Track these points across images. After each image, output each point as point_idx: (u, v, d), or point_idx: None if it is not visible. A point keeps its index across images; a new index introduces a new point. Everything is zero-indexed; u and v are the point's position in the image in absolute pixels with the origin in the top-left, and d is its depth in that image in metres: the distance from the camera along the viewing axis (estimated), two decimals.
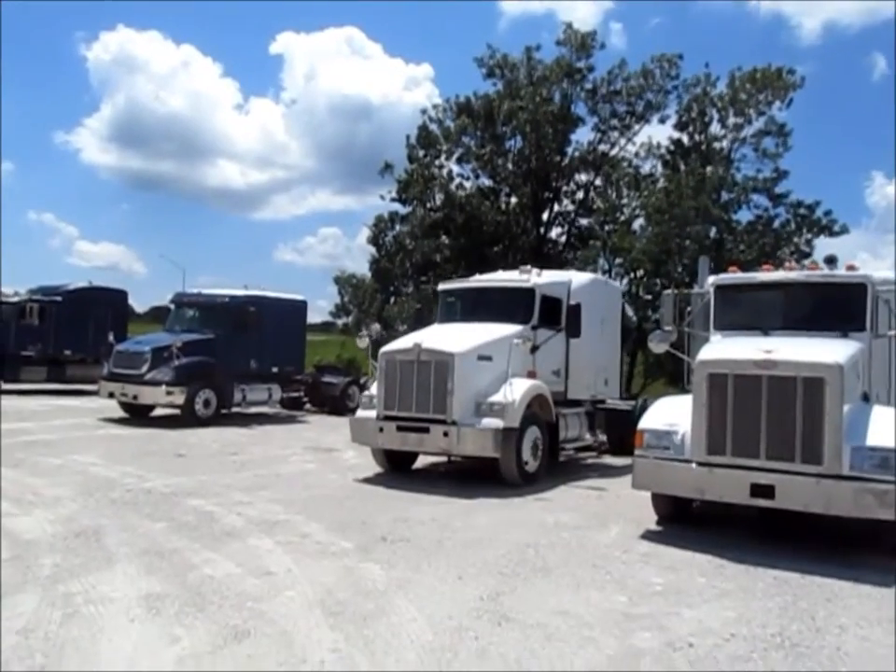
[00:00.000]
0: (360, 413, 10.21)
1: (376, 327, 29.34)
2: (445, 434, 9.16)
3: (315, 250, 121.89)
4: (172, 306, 18.36)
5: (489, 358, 9.60)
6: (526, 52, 28.07)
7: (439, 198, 29.20)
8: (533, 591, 5.35)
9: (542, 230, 29.69)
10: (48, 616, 4.48)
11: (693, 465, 6.74)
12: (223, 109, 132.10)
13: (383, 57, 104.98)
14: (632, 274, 29.38)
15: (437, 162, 29.48)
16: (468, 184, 29.55)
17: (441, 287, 12.36)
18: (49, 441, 11.97)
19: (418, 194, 29.02)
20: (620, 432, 12.40)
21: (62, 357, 21.80)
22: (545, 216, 29.73)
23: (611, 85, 27.92)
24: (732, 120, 27.30)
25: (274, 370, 17.74)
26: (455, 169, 29.60)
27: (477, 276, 12.62)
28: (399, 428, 9.53)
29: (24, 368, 21.16)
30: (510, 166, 29.15)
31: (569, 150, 29.02)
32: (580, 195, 29.87)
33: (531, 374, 10.12)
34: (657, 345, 7.96)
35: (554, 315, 11.02)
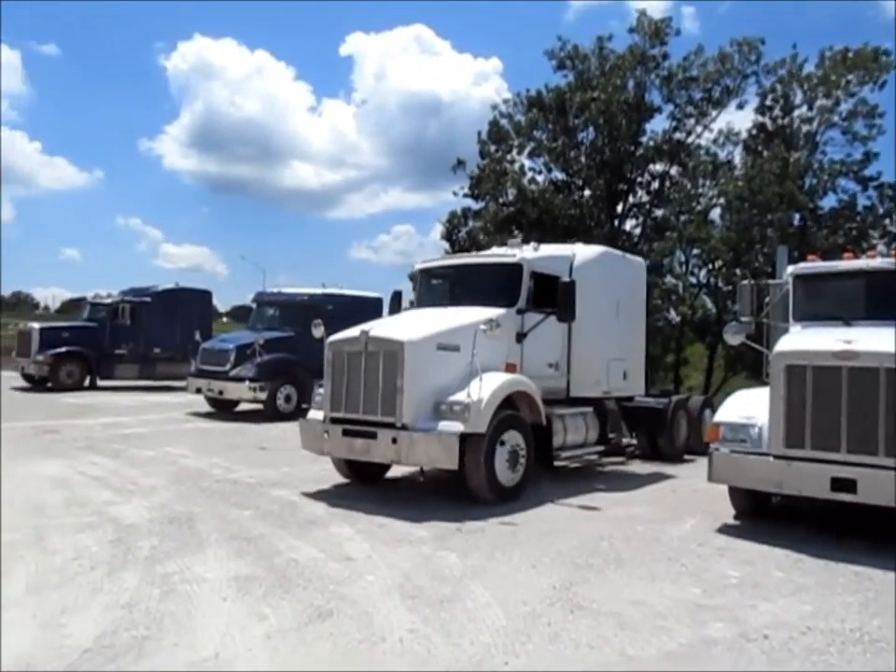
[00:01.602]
0: (311, 414, 8.70)
1: None
2: (394, 441, 7.52)
3: (390, 247, 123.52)
4: (254, 305, 19.07)
5: (455, 349, 7.92)
6: (598, 42, 27.82)
7: (511, 193, 29.25)
8: (606, 581, 5.42)
9: (616, 222, 29.37)
10: (147, 593, 4.84)
11: (771, 458, 6.63)
12: (296, 112, 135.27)
13: (451, 53, 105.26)
14: (710, 265, 28.76)
15: (508, 157, 29.54)
16: (540, 178, 29.53)
17: (419, 265, 10.56)
18: (142, 435, 12.65)
19: (490, 189, 29.13)
20: (651, 433, 11.57)
21: (151, 355, 22.87)
22: (619, 208, 29.43)
23: (687, 71, 27.36)
24: (819, 103, 26.34)
25: None
26: (528, 163, 29.64)
27: (463, 253, 10.88)
28: (346, 433, 7.95)
29: (118, 365, 22.31)
30: (582, 159, 28.94)
31: (644, 140, 28.63)
32: (655, 185, 29.43)
33: (510, 367, 8.54)
34: (732, 337, 7.84)
35: (551, 296, 9.15)
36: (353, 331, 8.17)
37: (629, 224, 30.24)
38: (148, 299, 23.04)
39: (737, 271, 24.97)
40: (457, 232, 30.65)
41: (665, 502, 8.41)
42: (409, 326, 8.37)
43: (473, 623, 4.48)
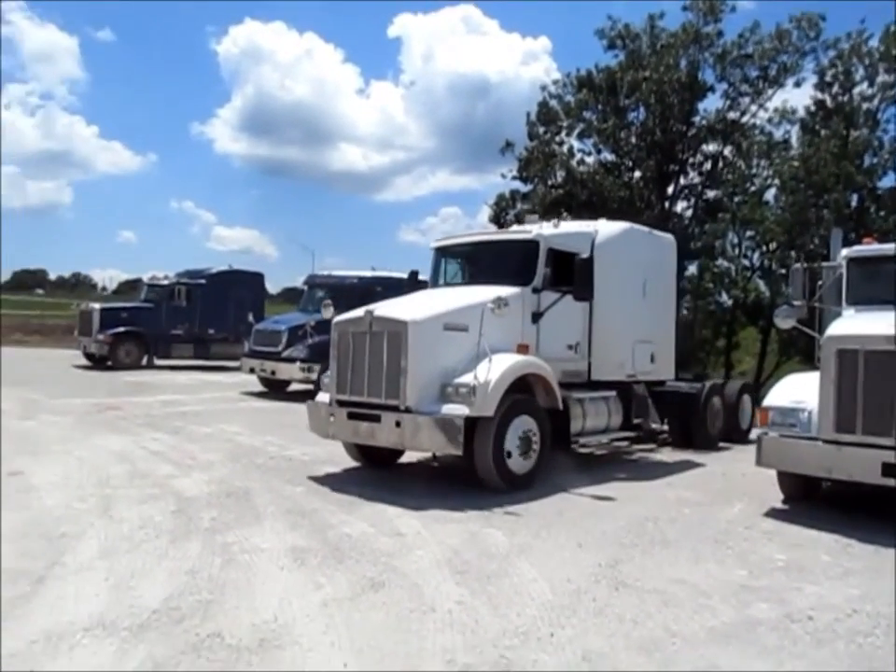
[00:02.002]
0: (319, 396, 8.49)
1: None
2: (398, 424, 7.29)
3: (437, 230, 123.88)
4: (305, 288, 19.43)
5: (463, 329, 7.58)
6: (650, 20, 27.34)
7: (560, 175, 29.04)
8: (651, 561, 5.50)
9: (667, 203, 28.95)
10: (209, 561, 5.10)
11: (821, 443, 6.59)
12: (345, 94, 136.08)
13: (499, 33, 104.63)
14: (764, 247, 28.18)
15: (557, 139, 29.30)
16: (589, 159, 29.21)
17: (434, 243, 10.10)
18: (198, 412, 13.08)
19: (539, 171, 28.97)
20: (683, 420, 11.03)
21: (206, 336, 23.50)
22: (670, 189, 28.99)
23: (742, 49, 26.68)
24: (881, 79, 25.47)
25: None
26: (577, 145, 29.33)
27: (478, 230, 10.22)
28: (351, 416, 7.76)
29: (174, 345, 23.01)
30: (633, 139, 28.55)
31: (696, 120, 28.08)
32: (707, 166, 28.87)
33: (523, 349, 8.11)
34: (783, 321, 7.76)
35: (570, 274, 8.74)
36: (358, 311, 7.95)
37: (680, 206, 29.78)
38: (203, 281, 23.64)
39: (792, 253, 24.40)
40: (505, 215, 30.57)
41: (712, 486, 8.40)
42: (415, 305, 8.13)
43: (520, 597, 4.62)
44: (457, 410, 7.14)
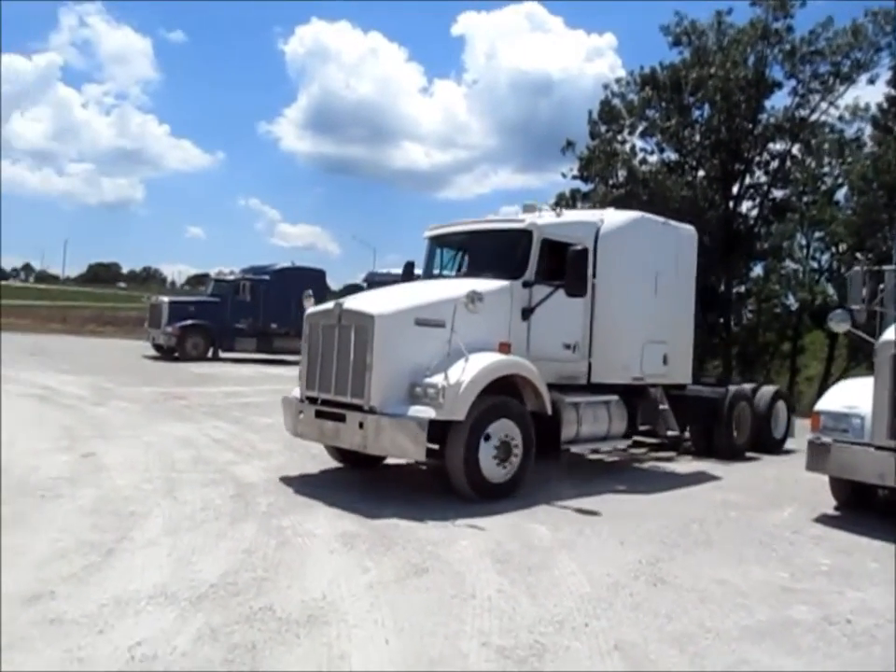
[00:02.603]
0: (294, 391, 7.95)
1: None
2: (361, 425, 6.83)
3: None
4: (364, 285, 19.88)
5: (438, 325, 7.02)
6: (717, 16, 26.77)
7: (621, 174, 28.69)
8: (692, 560, 5.56)
9: (732, 203, 28.30)
10: (265, 542, 5.39)
11: (873, 449, 6.51)
12: (408, 93, 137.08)
13: (563, 30, 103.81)
14: (833, 249, 27.38)
15: (619, 137, 28.97)
16: (652, 158, 28.80)
17: (427, 232, 9.45)
18: (259, 403, 13.55)
19: (600, 171, 28.68)
20: (706, 427, 10.44)
21: (269, 330, 24.20)
22: (735, 188, 28.30)
23: (812, 45, 25.92)
24: None
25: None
26: (639, 144, 28.94)
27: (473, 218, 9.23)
28: (318, 414, 7.34)
29: (238, 339, 23.80)
30: (697, 137, 28.00)
31: (763, 117, 27.35)
32: (774, 165, 28.10)
33: (504, 347, 7.44)
34: (837, 325, 7.64)
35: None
36: (329, 304, 7.60)
37: (745, 206, 29.04)
38: (267, 277, 24.35)
39: (857, 255, 23.64)
40: None
41: (763, 490, 8.36)
42: (388, 298, 7.64)
43: (558, 588, 4.76)
44: (423, 412, 6.64)
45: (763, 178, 28.37)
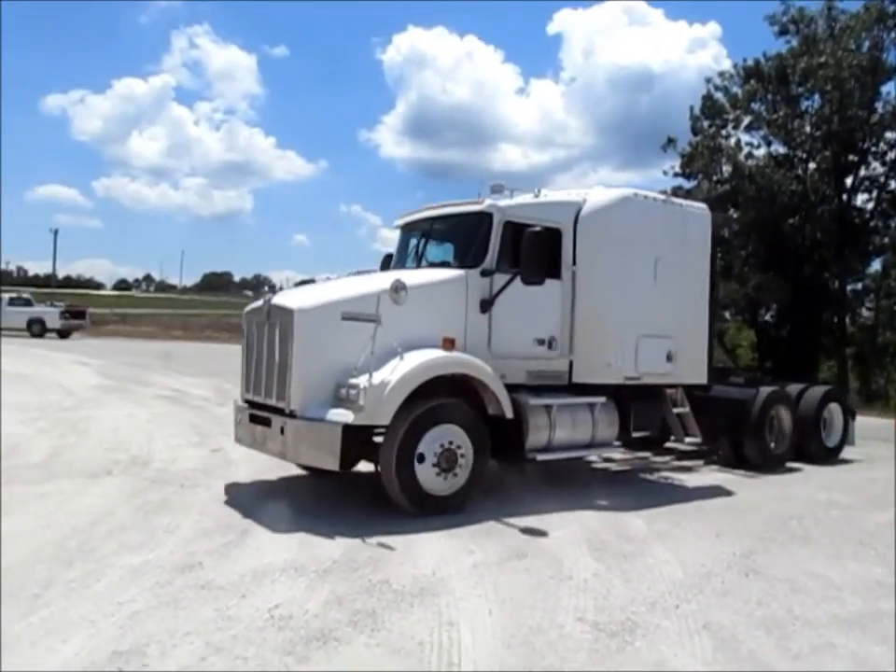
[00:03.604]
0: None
1: None
2: (282, 430, 6.31)
3: None
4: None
5: (371, 320, 6.16)
6: (826, 3, 25.79)
7: (726, 170, 28.06)
8: (788, 554, 5.70)
9: (845, 196, 27.14)
10: (379, 528, 5.92)
11: None
12: (505, 94, 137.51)
13: (664, 22, 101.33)
14: None
15: (723, 132, 28.34)
16: (758, 152, 28.01)
17: (397, 220, 8.75)
18: None
19: (703, 167, 28.15)
20: (734, 433, 9.34)
21: None
22: (849, 181, 27.12)
23: None
24: None
25: None
26: (744, 138, 28.21)
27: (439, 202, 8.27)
28: (252, 418, 6.88)
29: None
30: (807, 129, 27.04)
31: (879, 105, 26.12)
32: (892, 155, 26.75)
33: (448, 343, 6.58)
34: None
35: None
36: (260, 300, 7.14)
37: (860, 199, 27.80)
38: None
39: None
40: None
41: (869, 491, 8.26)
42: (318, 291, 7.14)
43: (651, 574, 5.05)
44: (340, 416, 6.08)
45: (880, 169, 27.08)
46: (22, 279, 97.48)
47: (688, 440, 9.20)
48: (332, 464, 6.10)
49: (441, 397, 6.46)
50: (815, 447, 10.04)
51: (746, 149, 28.01)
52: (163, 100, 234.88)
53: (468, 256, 7.37)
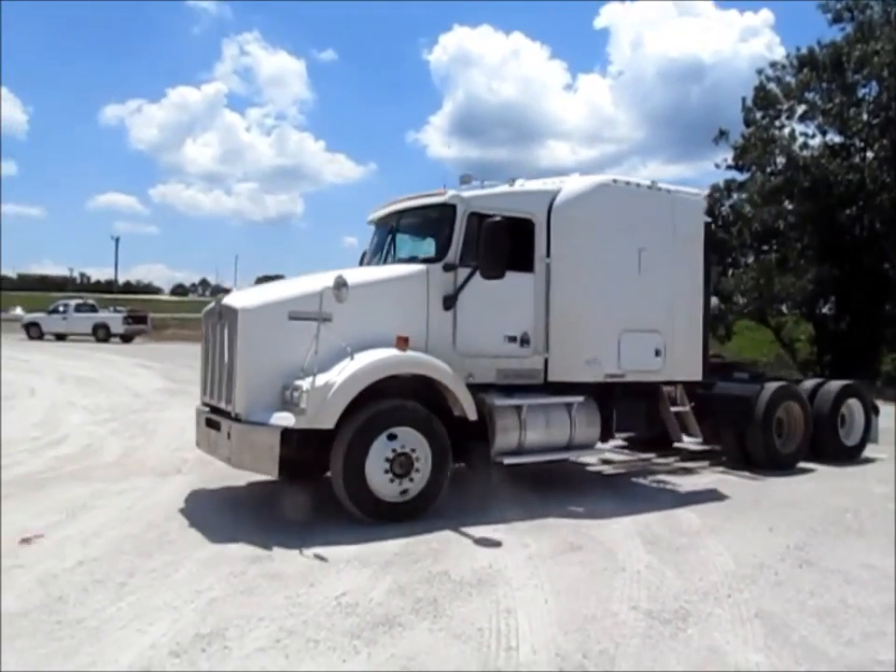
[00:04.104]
0: None
1: (714, 300, 28.85)
2: (229, 435, 6.14)
3: None
4: None
5: (324, 318, 5.91)
6: None
7: (780, 161, 27.55)
8: (842, 546, 5.74)
9: None
10: (438, 524, 6.14)
11: None
12: (552, 90, 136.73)
13: (714, 12, 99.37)
14: None
15: (777, 123, 27.83)
16: (813, 142, 27.42)
17: (369, 215, 8.41)
18: None
19: (756, 159, 27.70)
20: (738, 431, 8.88)
21: None
22: None
23: None
24: None
25: None
26: (799, 128, 27.64)
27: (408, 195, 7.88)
28: (207, 422, 6.66)
29: None
30: (864, 116, 26.37)
31: None
32: None
33: (402, 342, 6.27)
34: None
35: (517, 247, 7.04)
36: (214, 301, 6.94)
37: None
38: None
39: None
40: (719, 206, 29.56)
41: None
42: (268, 290, 6.93)
43: (704, 566, 5.16)
44: (281, 420, 5.84)
45: None
46: (85, 285, 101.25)
47: (691, 440, 8.64)
48: (271, 471, 5.89)
49: (399, 398, 6.22)
50: (831, 446, 9.47)
51: (800, 140, 27.47)
52: (216, 107, 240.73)
53: (432, 250, 7.18)
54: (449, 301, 6.80)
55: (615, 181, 7.73)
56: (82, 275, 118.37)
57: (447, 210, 7.03)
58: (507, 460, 6.80)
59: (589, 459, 8.74)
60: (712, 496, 7.49)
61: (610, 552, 5.45)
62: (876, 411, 10.21)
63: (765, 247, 28.09)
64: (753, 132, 27.75)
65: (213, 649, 3.77)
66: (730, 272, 29.09)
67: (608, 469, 9.00)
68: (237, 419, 6.10)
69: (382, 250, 7.91)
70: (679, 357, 8.01)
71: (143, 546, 5.37)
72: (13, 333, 37.23)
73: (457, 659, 3.71)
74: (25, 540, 5.41)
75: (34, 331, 36.93)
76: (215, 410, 6.62)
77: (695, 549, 5.57)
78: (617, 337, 7.51)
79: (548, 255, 7.32)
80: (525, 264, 7.20)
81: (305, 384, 5.82)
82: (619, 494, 7.54)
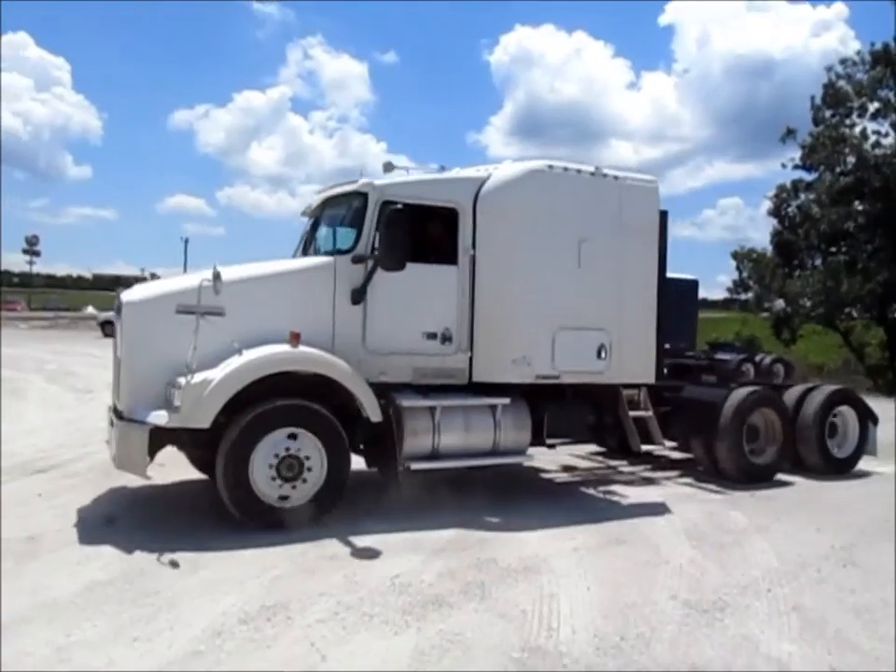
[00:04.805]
0: None
1: (780, 303, 28.27)
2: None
3: (715, 223, 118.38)
4: None
5: (216, 312, 5.77)
6: None
7: (850, 160, 26.82)
8: (888, 548, 5.74)
9: None
10: (485, 517, 6.41)
11: None
12: (615, 89, 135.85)
13: (785, 6, 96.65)
14: None
15: (847, 121, 27.11)
16: (886, 141, 26.60)
17: (304, 208, 8.11)
18: None
19: (825, 158, 27.04)
20: (705, 438, 8.14)
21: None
22: None
23: None
24: None
25: (667, 346, 18.69)
26: (871, 126, 26.86)
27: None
28: (110, 422, 6.29)
29: None
30: None
31: None
32: None
33: (294, 338, 5.90)
34: None
35: (438, 238, 6.77)
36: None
37: None
38: None
39: None
40: (786, 207, 28.95)
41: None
42: (160, 284, 6.69)
43: (746, 562, 5.30)
44: (152, 418, 5.61)
45: None
46: None
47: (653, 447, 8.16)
48: (139, 471, 5.71)
49: (298, 397, 5.89)
50: (815, 457, 8.63)
51: (872, 138, 26.70)
52: (280, 111, 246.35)
53: (345, 241, 6.80)
54: (357, 295, 6.41)
55: (550, 167, 7.12)
56: (153, 275, 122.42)
57: (359, 198, 6.71)
58: (416, 466, 6.37)
59: (547, 465, 8.34)
60: (647, 510, 6.79)
61: (654, 546, 5.61)
62: (874, 420, 9.20)
63: (833, 249, 27.38)
64: (822, 130, 27.13)
65: (277, 618, 4.13)
66: (796, 273, 28.47)
67: (562, 477, 8.47)
68: (120, 416, 5.90)
69: (305, 242, 7.61)
70: (627, 358, 7.35)
71: (215, 528, 5.77)
72: (88, 331, 39.07)
73: (500, 637, 3.97)
74: None
75: (109, 329, 38.61)
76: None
77: (740, 546, 5.68)
78: (551, 335, 6.94)
79: (473, 246, 6.84)
80: (447, 256, 6.79)
81: (183, 381, 5.56)
82: (552, 504, 7.04)
